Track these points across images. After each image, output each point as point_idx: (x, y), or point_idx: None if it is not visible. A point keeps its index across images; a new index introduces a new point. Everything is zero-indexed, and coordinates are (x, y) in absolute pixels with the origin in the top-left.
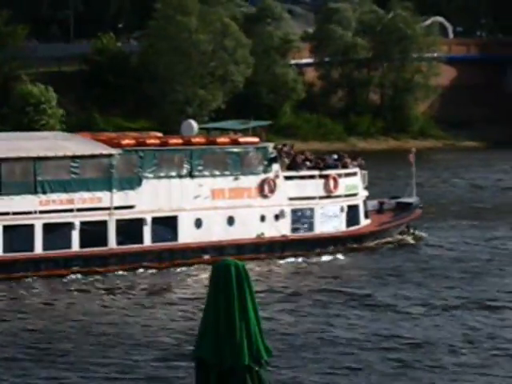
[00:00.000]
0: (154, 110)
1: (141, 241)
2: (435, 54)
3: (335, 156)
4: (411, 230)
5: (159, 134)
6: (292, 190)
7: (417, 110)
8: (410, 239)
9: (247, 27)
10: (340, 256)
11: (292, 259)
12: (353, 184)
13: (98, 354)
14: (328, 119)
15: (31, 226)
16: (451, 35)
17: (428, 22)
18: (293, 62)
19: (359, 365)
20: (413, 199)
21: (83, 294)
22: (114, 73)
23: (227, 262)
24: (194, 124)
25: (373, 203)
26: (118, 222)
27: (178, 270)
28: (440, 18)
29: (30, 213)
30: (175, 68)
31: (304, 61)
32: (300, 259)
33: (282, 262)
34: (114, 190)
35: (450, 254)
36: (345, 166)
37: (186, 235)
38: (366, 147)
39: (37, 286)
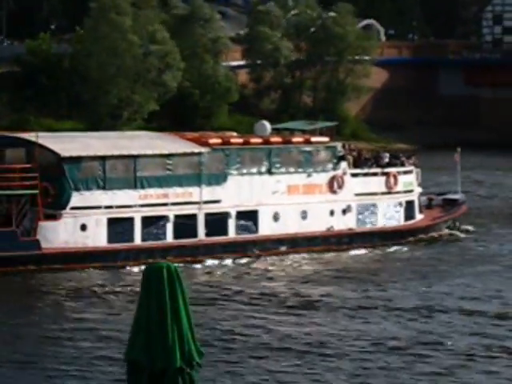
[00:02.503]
0: (87, 112)
1: (226, 233)
2: (366, 57)
3: (387, 155)
4: (457, 225)
5: (234, 134)
6: (357, 186)
7: (349, 113)
8: (458, 233)
9: (178, 29)
10: (399, 248)
11: (333, 253)
12: (409, 181)
13: None
14: None
15: (131, 219)
16: (383, 38)
17: (361, 24)
18: (225, 64)
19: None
20: (458, 196)
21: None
22: (46, 74)
23: (159, 265)
24: (268, 125)
25: (422, 199)
26: (206, 215)
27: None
28: (372, 21)
29: (130, 206)
30: (107, 70)
31: (236, 63)
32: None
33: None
34: (203, 186)
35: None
36: (402, 165)
37: (266, 228)
38: None
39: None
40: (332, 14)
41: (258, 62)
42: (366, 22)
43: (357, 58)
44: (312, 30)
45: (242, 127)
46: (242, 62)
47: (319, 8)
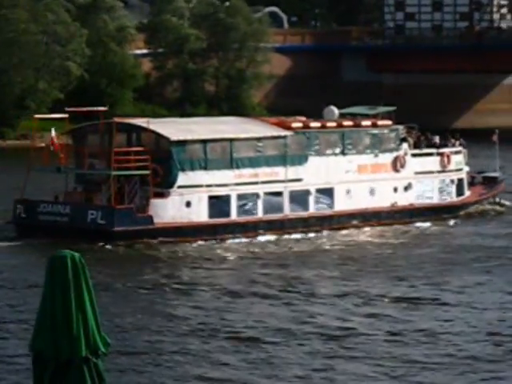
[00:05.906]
0: None
1: (307, 208)
2: (269, 45)
3: (437, 136)
4: (497, 200)
5: (304, 118)
6: (417, 165)
7: (252, 100)
8: (500, 208)
9: (81, 17)
10: (452, 221)
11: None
12: (459, 160)
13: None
14: (164, 110)
15: (228, 196)
16: (286, 25)
17: (263, 12)
18: (129, 52)
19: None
20: (497, 173)
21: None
22: None
23: (63, 254)
24: (336, 110)
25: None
26: (291, 192)
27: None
28: (275, 8)
29: (227, 185)
30: (10, 60)
31: (139, 51)
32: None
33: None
34: (288, 166)
35: None
36: (453, 145)
37: (340, 204)
38: None
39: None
40: (227, 3)
41: (161, 50)
42: (268, 9)
43: (257, 45)
44: (212, 18)
45: (145, 116)
46: (145, 51)
47: None
